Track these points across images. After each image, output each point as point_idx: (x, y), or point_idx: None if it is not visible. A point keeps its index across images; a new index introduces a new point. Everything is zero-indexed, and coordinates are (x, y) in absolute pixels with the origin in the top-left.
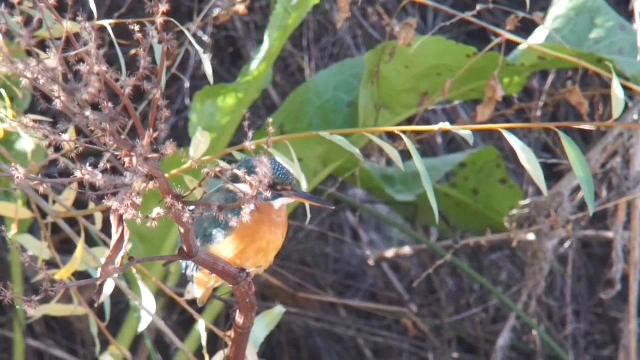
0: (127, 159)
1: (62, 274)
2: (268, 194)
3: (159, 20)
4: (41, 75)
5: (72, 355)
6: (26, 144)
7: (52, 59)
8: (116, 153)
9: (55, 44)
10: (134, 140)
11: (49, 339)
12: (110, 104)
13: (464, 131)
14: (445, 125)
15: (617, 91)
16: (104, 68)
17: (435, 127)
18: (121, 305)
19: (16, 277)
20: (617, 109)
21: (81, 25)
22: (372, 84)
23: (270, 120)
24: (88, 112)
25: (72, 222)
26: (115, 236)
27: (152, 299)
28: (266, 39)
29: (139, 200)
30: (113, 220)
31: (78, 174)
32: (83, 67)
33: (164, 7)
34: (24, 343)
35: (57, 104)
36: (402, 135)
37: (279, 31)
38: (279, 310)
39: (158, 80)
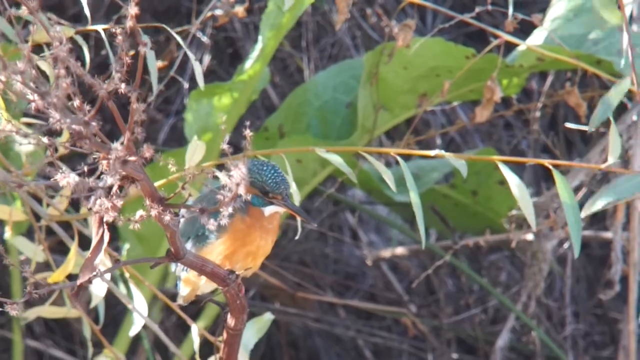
0: (105, 162)
1: (55, 277)
2: (248, 197)
3: (129, 23)
4: (10, 78)
5: (71, 355)
6: (25, 146)
7: (21, 62)
8: (96, 155)
9: (25, 45)
10: (114, 142)
11: (48, 339)
12: (86, 107)
13: (459, 162)
14: (440, 153)
15: (615, 137)
16: (79, 70)
17: (431, 153)
18: (120, 307)
19: (15, 277)
20: (614, 152)
21: (52, 27)
22: (371, 85)
23: (247, 123)
24: (57, 115)
25: (68, 224)
26: (95, 238)
27: (144, 301)
28: (260, 37)
29: (119, 203)
30: (93, 222)
31: (57, 176)
32: (55, 70)
33: (132, 11)
34: (23, 343)
35: (32, 107)
36: (398, 158)
37: (272, 30)
38: (268, 316)
39: (136, 83)
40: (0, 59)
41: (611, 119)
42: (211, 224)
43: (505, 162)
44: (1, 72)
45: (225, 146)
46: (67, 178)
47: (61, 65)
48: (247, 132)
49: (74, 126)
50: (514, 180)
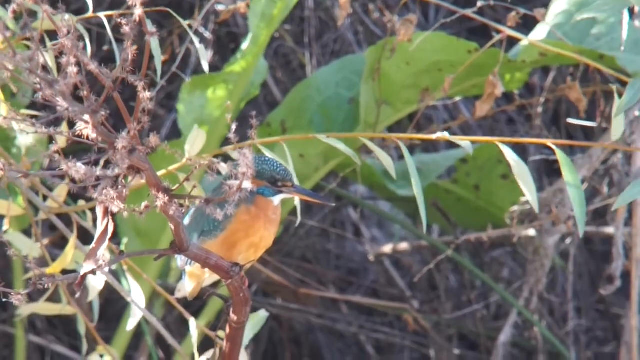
0: (111, 152)
1: (54, 268)
2: (253, 187)
3: (138, 12)
4: (19, 66)
5: (73, 351)
6: (25, 140)
7: (31, 50)
8: (103, 146)
9: (34, 34)
10: (121, 132)
11: (50, 334)
12: (92, 96)
13: (464, 142)
14: (443, 135)
15: (619, 118)
16: (86, 59)
17: (433, 137)
18: (123, 302)
19: (18, 272)
20: (617, 130)
21: (61, 16)
22: (373, 80)
23: (253, 114)
24: (66, 104)
25: (68, 219)
26: (99, 228)
27: (142, 293)
28: (250, 27)
29: (125, 193)
30: (99, 212)
31: (63, 166)
32: (64, 59)
33: None
34: (26, 339)
35: (39, 96)
36: (399, 143)
37: (263, 21)
38: (262, 314)
39: (142, 72)
40: (9, 46)
41: (617, 99)
42: (218, 214)
43: (507, 147)
44: (10, 59)
45: (232, 135)
46: (74, 167)
47: (69, 53)
48: (254, 122)
49: (81, 115)
50: (513, 159)
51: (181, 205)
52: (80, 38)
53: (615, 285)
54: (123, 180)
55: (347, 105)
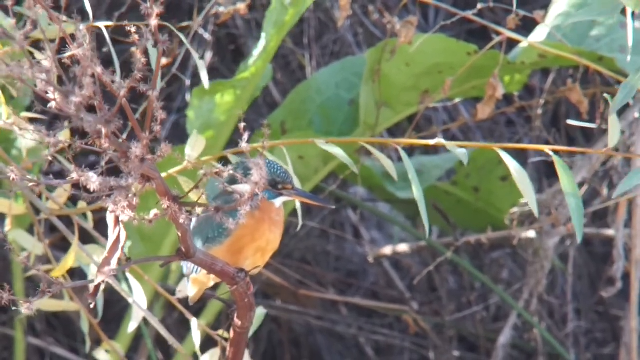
0: (123, 161)
1: (57, 272)
2: (265, 196)
3: (154, 22)
4: (35, 77)
5: (73, 353)
6: (25, 142)
7: (46, 61)
8: (113, 154)
9: (50, 45)
10: (133, 142)
11: (50, 336)
12: (106, 106)
13: (460, 150)
14: (440, 141)
15: (615, 122)
16: (99, 70)
17: (431, 142)
18: (122, 304)
19: (17, 274)
20: (613, 137)
21: (76, 26)
22: (373, 82)
23: (265, 122)
24: (82, 115)
25: (69, 219)
26: (112, 237)
27: (144, 295)
28: (263, 35)
29: (135, 202)
30: (110, 221)
31: (74, 175)
32: (77, 69)
33: (158, 9)
34: (25, 341)
35: (52, 106)
36: (398, 148)
37: (275, 28)
38: (260, 311)
39: (154, 82)
40: (27, 57)
41: (609, 102)
42: (230, 223)
43: (506, 154)
44: (27, 70)
45: (244, 144)
46: (85, 176)
47: (85, 64)
48: (265, 130)
49: (95, 125)
50: (513, 165)
51: (190, 213)
52: (93, 48)
53: (616, 287)
54: (133, 189)
55: (347, 107)
